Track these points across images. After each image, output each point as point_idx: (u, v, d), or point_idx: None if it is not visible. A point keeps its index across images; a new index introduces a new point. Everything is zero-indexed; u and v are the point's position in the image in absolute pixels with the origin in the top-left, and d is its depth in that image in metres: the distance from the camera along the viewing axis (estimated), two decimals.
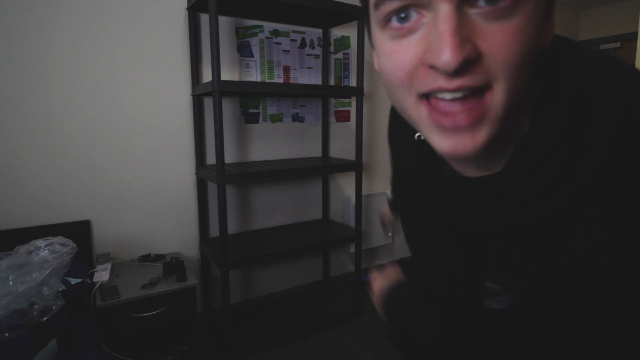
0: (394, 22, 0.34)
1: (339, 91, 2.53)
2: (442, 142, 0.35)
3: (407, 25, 0.33)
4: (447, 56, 0.30)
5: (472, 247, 0.46)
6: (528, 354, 0.46)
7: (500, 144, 0.39)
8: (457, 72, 0.31)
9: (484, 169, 0.42)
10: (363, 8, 0.39)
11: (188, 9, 2.08)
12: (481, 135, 0.34)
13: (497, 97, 0.33)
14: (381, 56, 0.37)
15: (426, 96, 0.35)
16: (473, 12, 0.31)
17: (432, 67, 0.32)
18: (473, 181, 0.42)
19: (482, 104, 0.33)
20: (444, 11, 0.31)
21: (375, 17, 0.36)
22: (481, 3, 0.31)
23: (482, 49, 0.31)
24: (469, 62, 0.31)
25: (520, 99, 0.34)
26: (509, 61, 0.32)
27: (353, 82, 2.78)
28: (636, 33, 3.10)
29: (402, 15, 0.33)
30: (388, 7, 0.34)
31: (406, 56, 0.34)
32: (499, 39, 0.31)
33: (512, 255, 0.42)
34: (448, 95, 0.33)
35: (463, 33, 0.31)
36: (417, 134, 0.50)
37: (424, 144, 0.49)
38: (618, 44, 4.22)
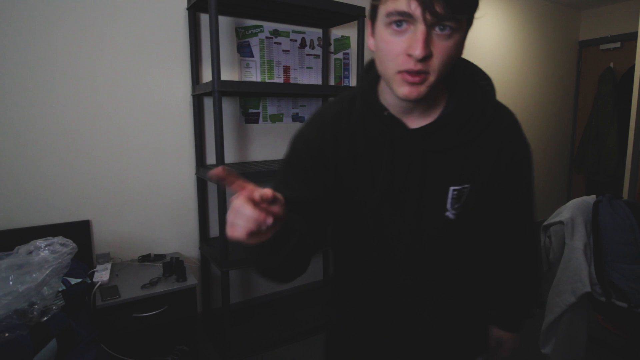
0: (394, 26, 0.61)
1: (339, 91, 2.53)
2: (403, 90, 0.64)
3: (400, 29, 0.61)
4: (419, 50, 0.59)
5: (436, 165, 0.76)
6: (467, 248, 0.82)
7: (432, 107, 0.74)
8: (420, 60, 0.60)
9: (426, 120, 0.75)
10: (373, 8, 0.65)
11: (188, 9, 2.08)
12: (422, 89, 0.64)
13: (431, 77, 0.63)
14: (380, 42, 0.64)
15: (400, 71, 0.63)
16: (433, 33, 0.60)
17: (409, 56, 0.61)
18: (422, 127, 0.74)
19: (425, 76, 0.63)
20: (421, 28, 0.59)
21: (383, 20, 0.63)
22: (437, 30, 0.60)
23: (433, 52, 0.61)
24: (427, 57, 0.60)
25: (442, 79, 0.65)
26: (442, 61, 0.62)
27: (353, 82, 2.78)
28: (636, 33, 3.10)
29: (399, 22, 0.61)
30: (393, 18, 0.61)
31: (397, 47, 0.62)
32: (440, 49, 0.61)
33: (459, 166, 0.74)
34: (413, 72, 0.62)
35: (427, 41, 0.60)
36: (385, 112, 0.75)
37: (390, 118, 0.76)
38: (618, 44, 4.22)
